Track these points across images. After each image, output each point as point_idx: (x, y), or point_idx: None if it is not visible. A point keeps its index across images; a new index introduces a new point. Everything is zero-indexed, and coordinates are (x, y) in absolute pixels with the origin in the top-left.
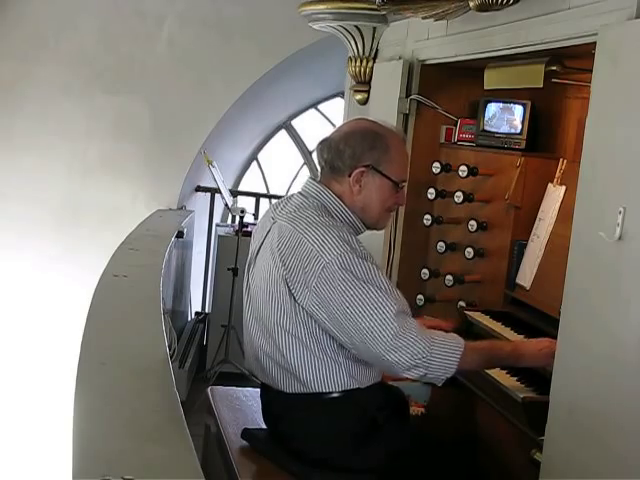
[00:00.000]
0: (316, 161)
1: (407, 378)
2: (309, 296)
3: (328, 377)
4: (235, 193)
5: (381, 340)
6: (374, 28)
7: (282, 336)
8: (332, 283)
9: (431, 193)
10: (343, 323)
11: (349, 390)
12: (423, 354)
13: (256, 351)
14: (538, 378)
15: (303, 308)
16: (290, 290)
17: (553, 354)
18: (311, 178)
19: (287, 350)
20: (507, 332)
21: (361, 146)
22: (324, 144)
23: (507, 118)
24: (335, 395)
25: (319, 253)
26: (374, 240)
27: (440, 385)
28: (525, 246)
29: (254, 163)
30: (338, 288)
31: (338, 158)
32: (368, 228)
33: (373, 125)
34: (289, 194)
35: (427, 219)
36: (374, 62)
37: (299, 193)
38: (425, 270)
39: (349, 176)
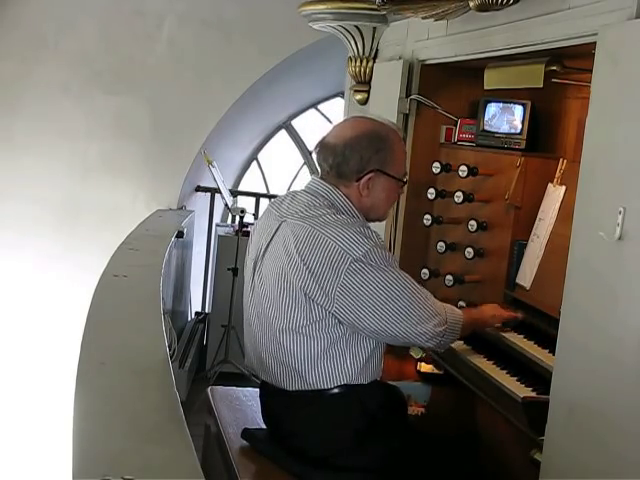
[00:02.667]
0: (316, 162)
1: (409, 377)
2: (337, 292)
3: (332, 372)
4: (235, 193)
5: (413, 316)
6: (374, 28)
7: (289, 334)
8: (362, 275)
9: (431, 193)
10: (378, 309)
11: (350, 386)
12: (443, 323)
13: (258, 349)
14: (538, 378)
15: (324, 308)
16: (311, 289)
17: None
18: (316, 177)
19: (293, 347)
20: (507, 332)
21: (368, 151)
22: (326, 148)
23: (507, 118)
24: (336, 391)
25: (344, 250)
26: None
27: (443, 371)
28: (525, 246)
29: (254, 163)
30: (369, 278)
31: (345, 164)
32: (371, 221)
33: (374, 125)
34: (291, 191)
35: (427, 219)
36: (374, 62)
37: (304, 191)
38: (425, 270)
39: (357, 181)
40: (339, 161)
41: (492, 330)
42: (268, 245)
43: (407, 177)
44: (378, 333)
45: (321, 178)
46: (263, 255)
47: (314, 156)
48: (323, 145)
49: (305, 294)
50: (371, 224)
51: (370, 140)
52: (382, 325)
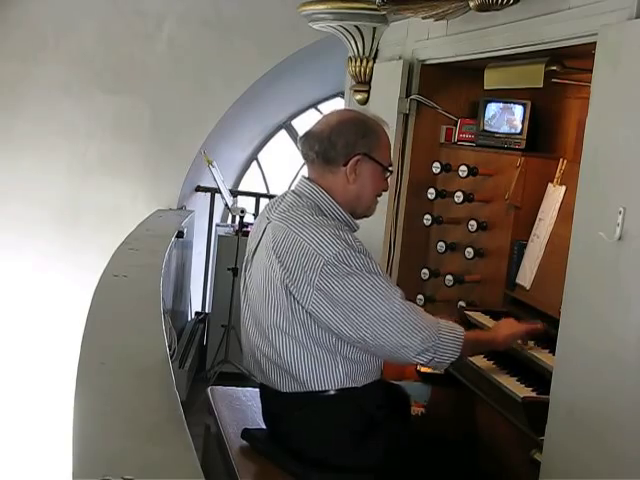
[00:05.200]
0: (302, 154)
1: (409, 377)
2: (312, 294)
3: (325, 375)
4: (235, 193)
5: (391, 326)
6: (374, 28)
7: (278, 336)
8: (336, 278)
9: (431, 193)
10: (351, 316)
11: (346, 388)
12: (432, 338)
13: (254, 351)
14: (538, 378)
15: (303, 307)
16: (289, 290)
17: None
18: (305, 177)
19: (283, 350)
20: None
21: (354, 135)
22: (312, 136)
23: (507, 118)
24: (332, 393)
25: (317, 252)
26: (374, 240)
27: (443, 371)
28: (525, 246)
29: (254, 163)
30: (342, 282)
31: (332, 149)
32: (358, 217)
33: (359, 114)
34: (284, 192)
35: (427, 219)
36: (374, 62)
37: (292, 192)
38: (425, 270)
39: (344, 165)
40: (325, 147)
41: (517, 347)
42: (257, 246)
43: (392, 168)
44: (358, 341)
45: (307, 177)
46: (252, 256)
47: (300, 149)
48: (308, 135)
49: (285, 293)
50: (369, 224)
51: (355, 125)
52: (359, 333)
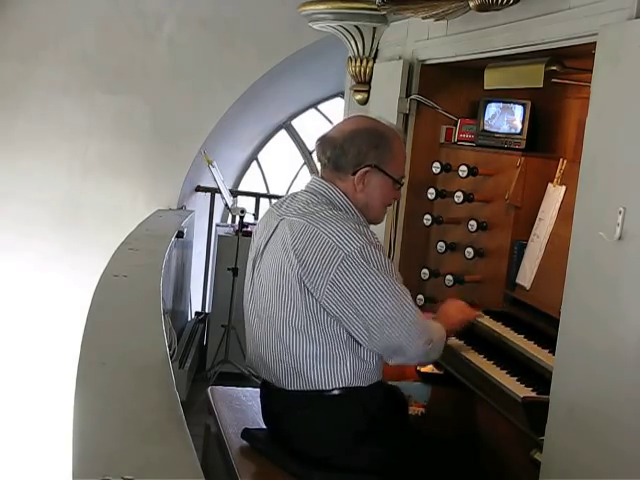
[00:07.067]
0: (316, 157)
1: (409, 377)
2: (327, 288)
3: (332, 373)
4: (235, 193)
5: (399, 327)
6: (374, 28)
7: (289, 332)
8: (352, 273)
9: (431, 193)
10: (362, 312)
11: (350, 388)
12: (429, 341)
13: (259, 348)
14: (538, 378)
15: (317, 301)
16: (304, 284)
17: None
18: (316, 176)
19: (293, 345)
20: (507, 332)
21: (366, 145)
22: (326, 141)
23: (507, 118)
24: (336, 392)
25: (337, 245)
26: None
27: (443, 371)
28: (525, 246)
29: (254, 163)
30: (357, 278)
31: (343, 156)
32: (368, 223)
33: (376, 124)
34: (292, 192)
35: (427, 219)
36: (374, 62)
37: (304, 191)
38: (425, 270)
39: (353, 175)
40: (337, 154)
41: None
42: (267, 243)
43: (404, 180)
44: (362, 337)
45: (321, 177)
46: (262, 253)
47: (315, 150)
48: (324, 139)
49: (300, 287)
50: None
51: (370, 135)
52: (369, 332)
